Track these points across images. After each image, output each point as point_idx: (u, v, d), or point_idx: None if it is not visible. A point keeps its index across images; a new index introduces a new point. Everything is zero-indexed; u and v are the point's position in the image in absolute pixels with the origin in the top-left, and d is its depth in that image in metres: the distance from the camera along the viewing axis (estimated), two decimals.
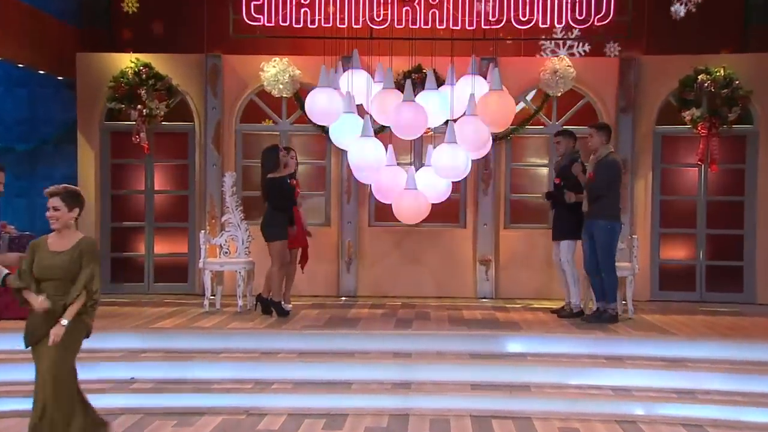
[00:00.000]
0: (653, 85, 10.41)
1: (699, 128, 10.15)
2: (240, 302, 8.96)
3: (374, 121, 8.32)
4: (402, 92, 8.14)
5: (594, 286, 8.27)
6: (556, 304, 9.23)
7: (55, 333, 4.74)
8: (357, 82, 8.37)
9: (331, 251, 10.73)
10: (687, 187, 10.57)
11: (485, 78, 8.43)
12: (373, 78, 8.57)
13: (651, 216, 10.54)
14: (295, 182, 8.68)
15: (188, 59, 10.56)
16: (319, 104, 8.15)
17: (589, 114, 10.60)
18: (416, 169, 8.49)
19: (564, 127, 9.80)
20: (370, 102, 8.30)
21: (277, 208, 8.34)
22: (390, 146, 8.51)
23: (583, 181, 8.35)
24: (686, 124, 10.26)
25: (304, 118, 10.27)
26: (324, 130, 10.01)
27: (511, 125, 10.25)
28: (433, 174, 8.24)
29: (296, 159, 8.93)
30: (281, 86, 10.40)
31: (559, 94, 10.54)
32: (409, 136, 8.33)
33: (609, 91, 10.53)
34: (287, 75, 10.36)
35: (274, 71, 10.36)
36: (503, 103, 8.05)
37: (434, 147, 8.30)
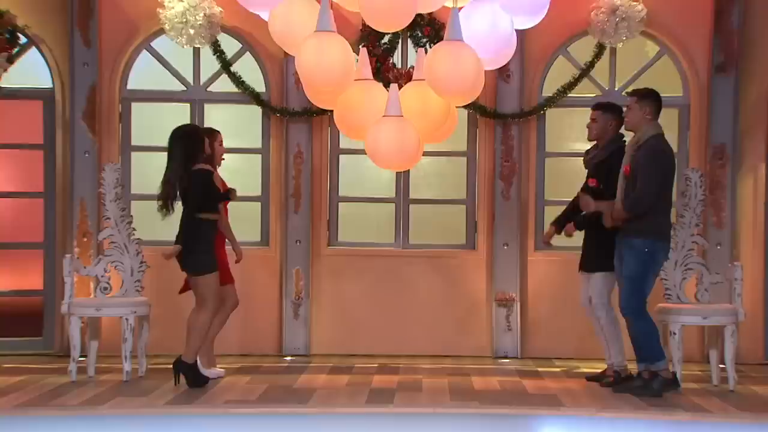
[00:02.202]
0: None
1: None
2: (127, 366, 8.86)
3: None
4: None
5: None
6: None
7: None
8: None
9: (271, 286, 10.71)
10: None
11: None
12: None
13: (765, 232, 10.59)
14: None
15: None
16: None
17: (666, 75, 10.59)
18: (401, 86, 8.55)
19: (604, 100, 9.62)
20: None
21: (204, 216, 8.41)
22: (363, 50, 8.65)
23: (618, 214, 8.32)
24: None
25: (227, 81, 10.59)
26: (259, 99, 10.58)
27: (546, 94, 10.64)
28: (427, 91, 8.18)
29: (223, 148, 9.10)
30: (191, 32, 10.37)
31: (621, 45, 10.53)
32: (387, 27, 8.34)
33: (698, 41, 10.58)
34: (200, 15, 10.35)
35: (181, 8, 10.37)
36: None
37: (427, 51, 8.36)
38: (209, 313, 8.42)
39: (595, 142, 8.90)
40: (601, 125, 8.76)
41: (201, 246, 8.40)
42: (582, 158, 9.05)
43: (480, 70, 7.98)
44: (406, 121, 8.13)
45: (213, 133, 8.93)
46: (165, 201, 8.45)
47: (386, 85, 9.97)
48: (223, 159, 9.02)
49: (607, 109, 8.82)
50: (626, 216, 8.15)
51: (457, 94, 8.15)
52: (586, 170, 8.98)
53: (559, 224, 9.00)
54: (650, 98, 8.30)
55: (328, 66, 7.89)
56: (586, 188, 8.86)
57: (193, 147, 8.44)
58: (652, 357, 8.21)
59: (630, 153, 8.24)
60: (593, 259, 8.78)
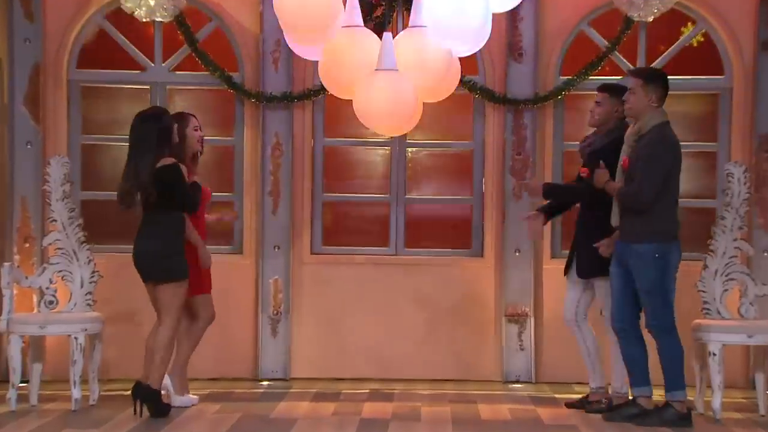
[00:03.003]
0: None
1: None
2: (76, 393, 8.86)
3: None
4: None
5: (626, 356, 8.45)
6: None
7: None
8: None
9: (244, 299, 10.69)
10: None
11: None
12: None
13: None
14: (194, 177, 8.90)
15: None
16: None
17: (705, 54, 10.59)
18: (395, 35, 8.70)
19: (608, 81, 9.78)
20: None
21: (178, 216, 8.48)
22: None
23: (611, 189, 8.51)
24: None
25: (193, 61, 10.59)
26: (231, 81, 10.58)
27: (564, 76, 10.63)
28: (425, 39, 8.30)
29: (201, 133, 9.10)
30: (152, 3, 10.42)
31: (651, 19, 10.45)
32: None
33: (743, 13, 10.52)
34: None
35: None
36: None
37: None
38: (171, 330, 8.40)
39: (594, 129, 8.97)
40: (605, 110, 8.80)
41: (173, 249, 8.43)
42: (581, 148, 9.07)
43: (487, 11, 8.07)
44: (401, 75, 8.15)
45: (183, 118, 8.88)
46: (129, 195, 8.40)
47: None
48: (202, 150, 9.04)
49: (614, 92, 8.82)
50: (615, 199, 8.25)
51: (461, 41, 8.24)
52: (583, 158, 9.00)
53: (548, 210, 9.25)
54: (658, 82, 8.31)
55: (311, 6, 7.92)
56: (579, 179, 8.91)
57: (148, 136, 8.41)
58: (674, 384, 8.18)
59: (630, 144, 8.24)
60: (595, 261, 8.73)
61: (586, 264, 8.87)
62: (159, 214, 8.43)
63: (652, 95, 8.22)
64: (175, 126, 8.64)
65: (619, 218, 8.29)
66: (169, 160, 8.40)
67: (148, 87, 10.65)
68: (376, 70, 8.27)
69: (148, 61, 10.67)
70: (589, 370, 8.98)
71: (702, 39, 10.63)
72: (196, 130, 8.89)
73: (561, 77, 10.57)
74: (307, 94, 10.28)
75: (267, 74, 10.38)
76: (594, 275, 8.81)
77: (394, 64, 8.24)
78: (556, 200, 9.26)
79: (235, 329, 10.48)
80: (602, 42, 10.53)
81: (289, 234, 10.59)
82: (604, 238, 8.63)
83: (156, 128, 8.46)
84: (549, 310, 10.56)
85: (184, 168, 8.59)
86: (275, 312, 10.51)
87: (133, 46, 10.64)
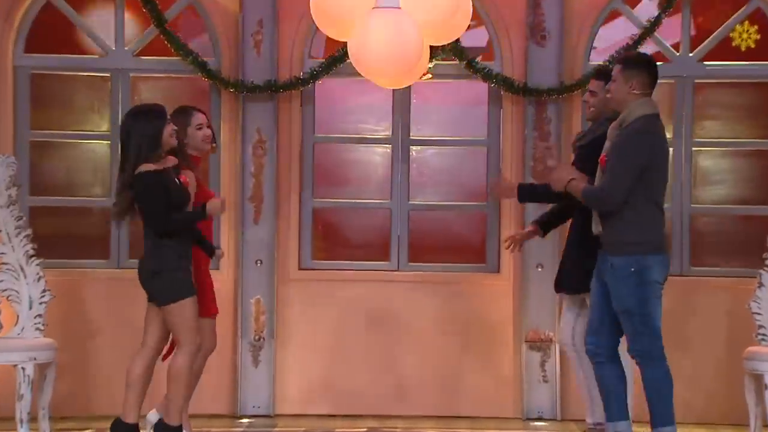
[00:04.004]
0: None
1: None
2: None
3: None
4: None
5: (600, 385, 8.40)
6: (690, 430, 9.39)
7: None
8: None
9: (222, 322, 10.18)
10: None
11: None
12: None
13: None
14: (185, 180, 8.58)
15: None
16: None
17: (760, 35, 10.62)
18: None
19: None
20: None
21: (167, 233, 8.34)
22: None
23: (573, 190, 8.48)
24: None
25: (161, 44, 10.62)
26: (205, 68, 10.61)
27: (594, 62, 10.66)
28: None
29: (209, 128, 8.92)
30: None
31: None
32: None
33: None
34: None
35: None
36: None
37: None
38: (187, 355, 8.31)
39: (589, 121, 9.09)
40: (599, 99, 8.83)
41: (171, 265, 8.30)
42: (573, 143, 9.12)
43: None
44: (404, 14, 8.21)
45: (186, 114, 8.76)
46: (120, 214, 8.35)
47: None
48: (214, 147, 8.99)
49: (608, 79, 8.75)
50: (578, 198, 8.30)
51: None
52: (575, 154, 9.02)
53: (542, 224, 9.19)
54: (638, 67, 8.32)
55: None
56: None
57: (141, 138, 8.28)
58: (662, 419, 8.13)
59: (611, 138, 8.29)
60: (563, 276, 8.88)
61: (564, 277, 8.93)
62: (146, 226, 8.41)
63: (633, 81, 8.20)
64: (169, 126, 8.45)
65: (600, 225, 8.31)
66: (147, 167, 8.27)
67: (108, 75, 10.65)
68: (375, 8, 8.29)
69: (109, 44, 10.65)
70: (586, 404, 8.96)
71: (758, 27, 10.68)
72: (199, 128, 8.75)
73: (590, 63, 10.57)
74: (295, 83, 10.24)
75: (247, 60, 10.38)
76: (576, 291, 8.79)
77: (396, 0, 8.32)
78: (533, 201, 9.34)
79: (211, 358, 9.95)
80: (639, 21, 10.54)
81: (274, 246, 10.61)
82: (591, 250, 8.54)
83: (139, 128, 8.30)
84: None
85: (192, 177, 8.52)
86: (257, 337, 10.53)
87: (90, 27, 10.66)
